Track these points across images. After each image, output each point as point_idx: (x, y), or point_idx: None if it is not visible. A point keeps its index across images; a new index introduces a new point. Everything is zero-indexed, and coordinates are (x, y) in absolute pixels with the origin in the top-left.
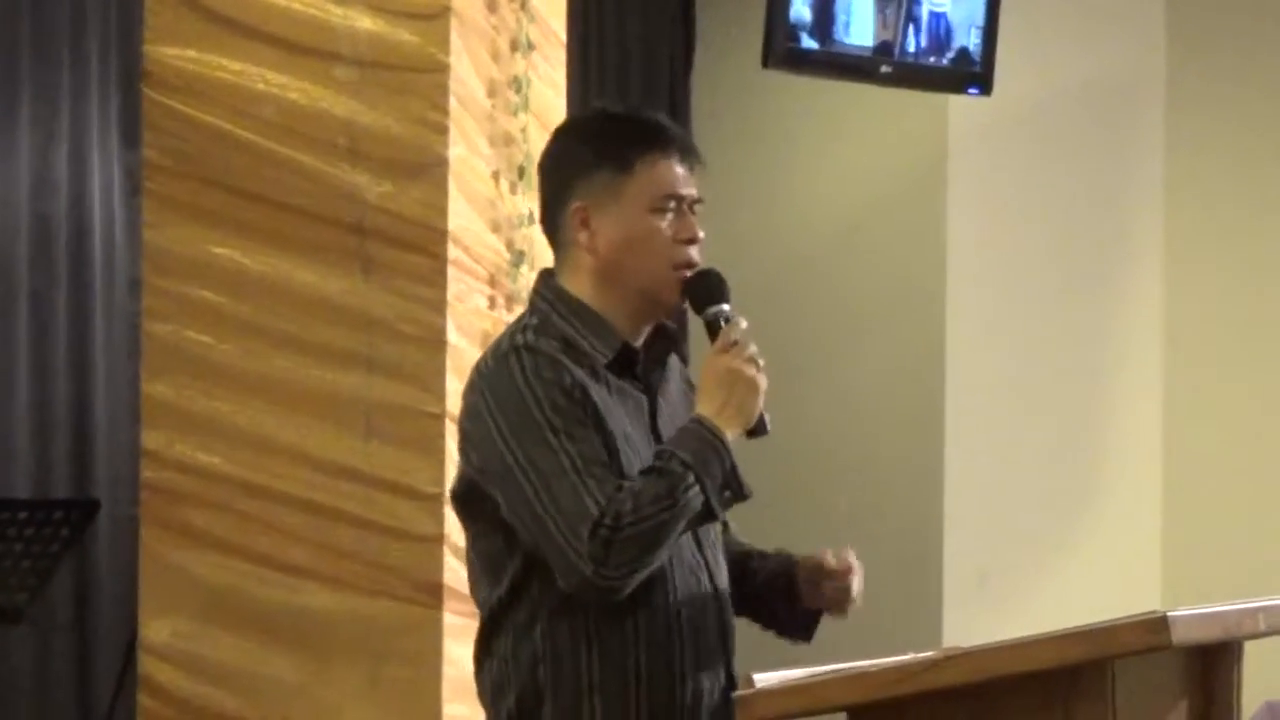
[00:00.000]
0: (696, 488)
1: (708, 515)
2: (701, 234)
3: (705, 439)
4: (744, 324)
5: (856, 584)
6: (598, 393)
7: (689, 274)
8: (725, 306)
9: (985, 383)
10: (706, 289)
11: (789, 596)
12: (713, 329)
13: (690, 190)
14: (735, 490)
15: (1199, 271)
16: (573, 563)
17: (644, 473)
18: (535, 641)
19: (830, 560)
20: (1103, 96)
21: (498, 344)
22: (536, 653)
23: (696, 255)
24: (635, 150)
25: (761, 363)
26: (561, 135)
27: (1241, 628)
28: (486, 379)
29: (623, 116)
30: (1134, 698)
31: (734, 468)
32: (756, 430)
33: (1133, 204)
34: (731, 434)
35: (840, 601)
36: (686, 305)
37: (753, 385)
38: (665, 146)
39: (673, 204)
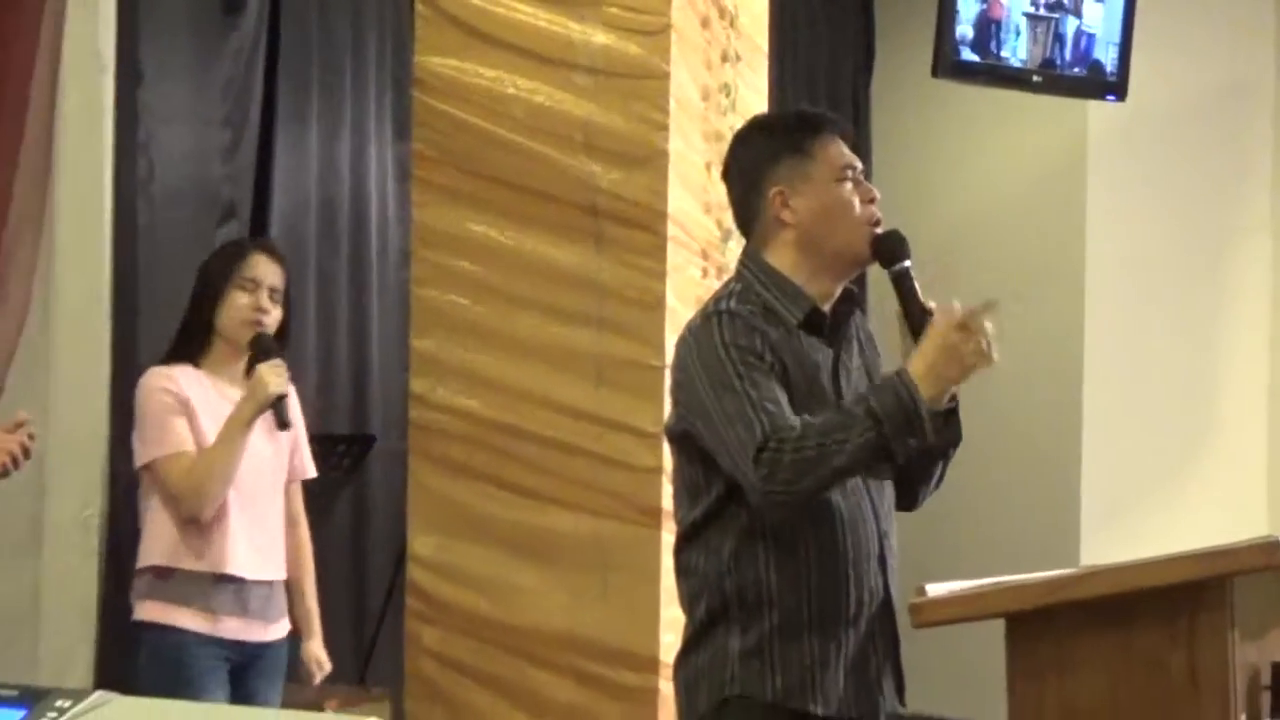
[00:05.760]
0: (874, 433)
1: (887, 456)
2: (878, 193)
3: (899, 393)
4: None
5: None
6: (791, 347)
7: (878, 230)
8: (908, 263)
9: (1118, 345)
10: (892, 247)
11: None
12: (897, 282)
13: (858, 161)
14: (920, 439)
15: None
16: (747, 480)
17: (835, 410)
18: (723, 559)
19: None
20: (1222, 100)
21: (704, 308)
22: (723, 567)
23: (879, 212)
24: (808, 138)
25: (987, 347)
26: (740, 143)
27: None
28: (694, 336)
29: (786, 114)
30: (1249, 608)
31: (921, 421)
32: (918, 320)
33: (1246, 191)
34: (930, 393)
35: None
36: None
37: (962, 363)
38: (830, 129)
39: (850, 173)
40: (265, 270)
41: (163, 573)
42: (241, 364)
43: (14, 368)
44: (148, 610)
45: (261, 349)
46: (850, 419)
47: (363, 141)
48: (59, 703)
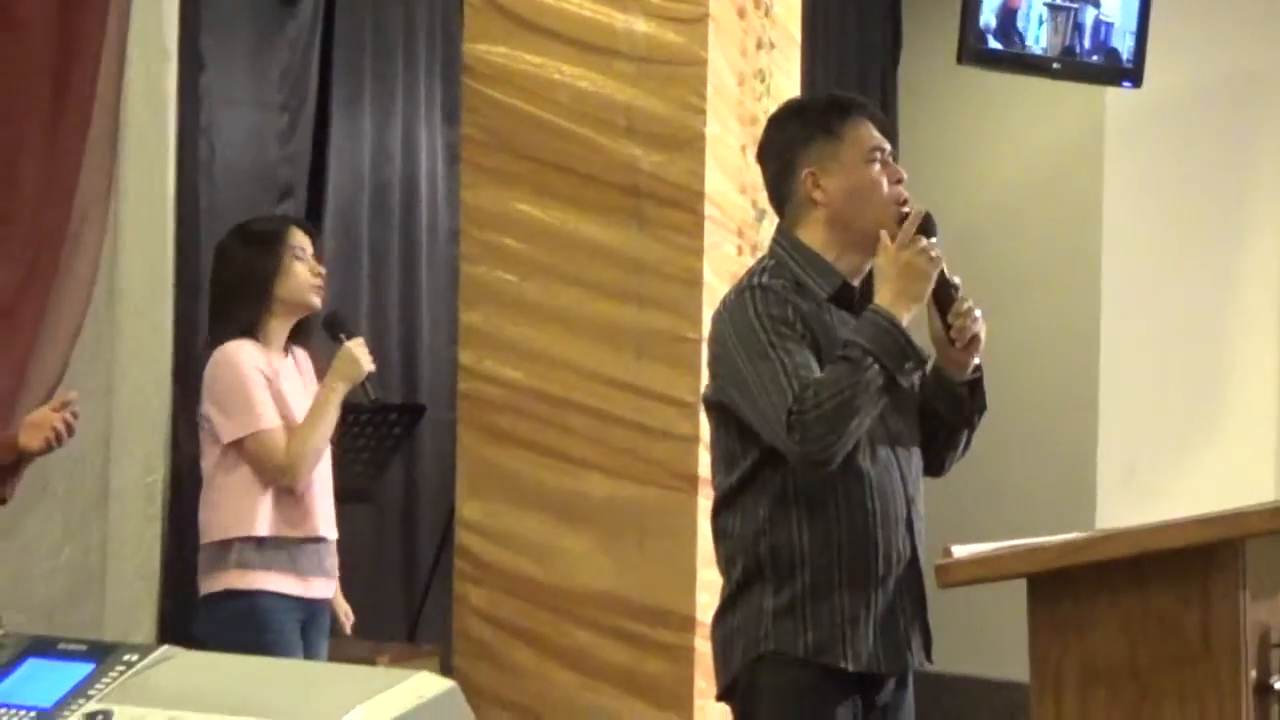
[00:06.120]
0: (875, 366)
1: (893, 384)
2: (905, 174)
3: (880, 324)
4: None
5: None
6: (821, 320)
7: (905, 209)
8: (934, 240)
9: (1134, 320)
10: (922, 227)
11: (946, 388)
12: None
13: (886, 143)
14: (914, 360)
15: None
16: (783, 444)
17: (832, 362)
18: (758, 522)
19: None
20: (1236, 87)
21: (739, 283)
22: (758, 530)
23: (906, 192)
24: (838, 120)
25: (935, 254)
26: (774, 126)
27: None
28: (729, 310)
29: (818, 98)
30: (1259, 570)
31: (909, 342)
32: (944, 294)
33: (1259, 175)
34: (906, 315)
35: (963, 331)
36: None
37: (922, 274)
38: (860, 112)
39: (879, 154)
40: (307, 242)
41: (257, 542)
42: (286, 334)
43: (81, 342)
44: (236, 579)
45: (339, 327)
46: (851, 364)
47: (414, 125)
48: (126, 656)
